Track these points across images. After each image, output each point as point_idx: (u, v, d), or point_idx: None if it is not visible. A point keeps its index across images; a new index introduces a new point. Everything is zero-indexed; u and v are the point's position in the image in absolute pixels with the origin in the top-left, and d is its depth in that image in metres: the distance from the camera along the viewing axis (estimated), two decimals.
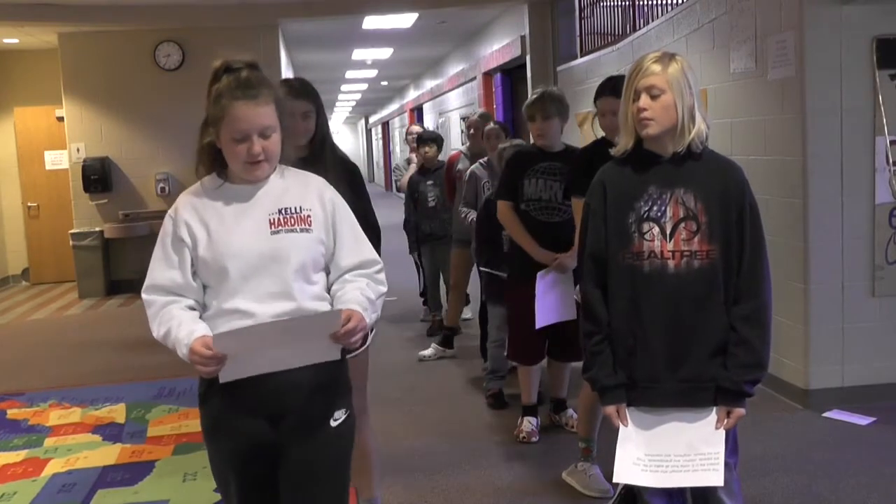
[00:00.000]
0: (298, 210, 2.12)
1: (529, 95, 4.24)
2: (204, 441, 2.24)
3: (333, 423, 2.17)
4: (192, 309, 2.11)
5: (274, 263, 2.07)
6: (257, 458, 2.15)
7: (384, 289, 2.22)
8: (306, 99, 2.95)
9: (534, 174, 4.08)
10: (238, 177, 2.14)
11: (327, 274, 2.19)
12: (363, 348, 3.02)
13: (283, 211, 2.11)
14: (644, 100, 2.25)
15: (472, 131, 6.26)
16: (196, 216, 2.12)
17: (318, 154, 2.93)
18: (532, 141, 4.28)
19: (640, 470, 2.25)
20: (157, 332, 2.10)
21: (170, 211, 2.18)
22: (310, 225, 2.12)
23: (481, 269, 5.01)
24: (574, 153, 4.24)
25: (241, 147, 2.07)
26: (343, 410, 2.19)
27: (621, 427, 2.30)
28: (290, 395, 2.10)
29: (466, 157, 6.29)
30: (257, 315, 2.05)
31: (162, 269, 2.13)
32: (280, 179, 2.17)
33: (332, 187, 2.24)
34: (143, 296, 2.13)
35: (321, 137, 2.97)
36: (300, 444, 2.13)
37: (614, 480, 2.32)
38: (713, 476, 2.21)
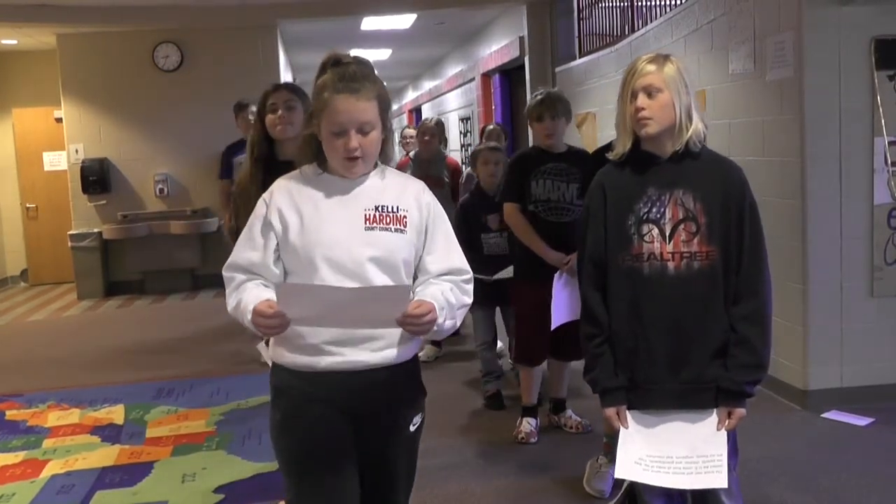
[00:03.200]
0: (395, 210, 2.11)
1: (531, 96, 4.24)
2: (274, 434, 2.19)
3: (412, 429, 2.22)
4: (267, 287, 2.10)
5: (364, 260, 2.06)
6: (332, 453, 2.13)
7: (469, 300, 2.19)
8: (288, 90, 3.02)
9: (540, 175, 4.09)
10: (337, 170, 2.13)
11: (414, 279, 2.18)
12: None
13: (379, 208, 2.10)
14: (642, 99, 2.25)
15: (426, 137, 6.16)
16: (290, 202, 2.11)
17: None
18: (537, 142, 4.27)
19: (641, 469, 2.24)
20: (230, 304, 2.11)
21: (265, 194, 2.16)
22: (405, 226, 2.11)
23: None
24: (578, 154, 4.25)
25: (338, 141, 2.06)
26: (419, 415, 2.24)
27: (622, 428, 2.30)
28: (370, 398, 2.11)
29: (415, 162, 6.21)
30: None
31: (245, 249, 2.13)
32: (380, 178, 2.16)
33: (430, 191, 2.23)
34: (223, 272, 2.15)
35: None
36: (380, 448, 2.17)
37: (616, 476, 2.32)
38: (717, 478, 2.20)
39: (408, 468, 2.26)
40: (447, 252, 2.18)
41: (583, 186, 4.06)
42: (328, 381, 2.08)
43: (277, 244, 2.10)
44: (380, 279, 2.07)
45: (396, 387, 2.14)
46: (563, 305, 3.95)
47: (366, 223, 2.08)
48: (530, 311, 4.08)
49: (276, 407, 2.17)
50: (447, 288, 2.13)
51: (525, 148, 4.65)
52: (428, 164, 6.15)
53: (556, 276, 3.95)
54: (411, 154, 6.39)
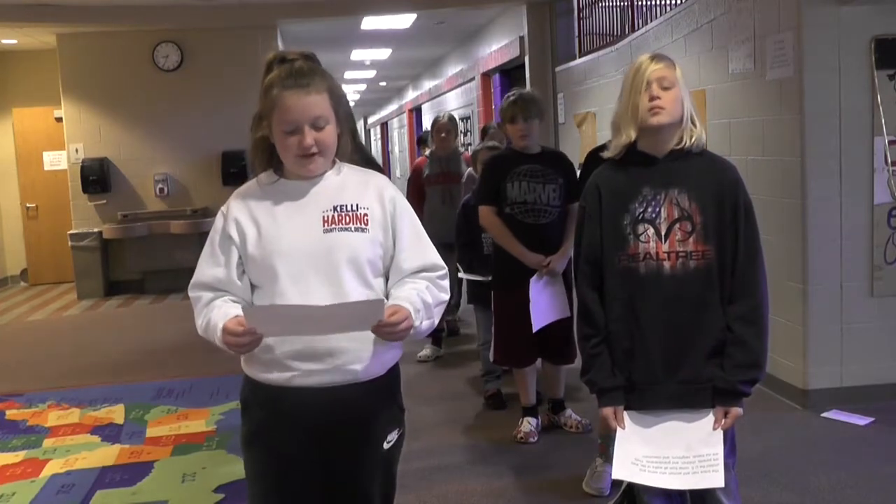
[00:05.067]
0: (355, 208, 2.02)
1: (505, 98, 4.22)
2: (242, 449, 2.14)
3: (386, 446, 2.10)
4: (236, 303, 2.04)
5: (325, 264, 1.98)
6: (298, 471, 2.06)
7: (445, 296, 2.10)
8: None
9: (516, 177, 4.06)
10: (293, 172, 2.05)
11: (387, 279, 2.09)
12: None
13: (338, 208, 2.01)
14: (657, 89, 2.25)
15: (443, 135, 6.14)
16: (247, 213, 2.04)
17: (343, 152, 2.91)
18: (512, 143, 4.26)
19: (638, 469, 2.24)
20: (199, 325, 2.04)
21: (222, 207, 2.09)
22: (366, 224, 2.02)
23: (463, 275, 5.01)
24: (554, 154, 4.25)
25: (292, 139, 1.98)
26: (396, 431, 2.12)
27: (619, 429, 2.29)
28: (338, 415, 2.02)
29: (432, 160, 6.20)
30: None
31: (208, 266, 2.06)
32: (337, 176, 2.08)
33: (393, 185, 2.14)
34: (189, 293, 2.08)
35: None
36: (350, 467, 2.07)
37: (613, 476, 2.30)
38: (714, 477, 2.19)
39: (384, 487, 2.13)
40: (419, 247, 2.09)
41: (567, 190, 4.06)
42: (293, 398, 2.00)
43: (240, 257, 2.04)
44: (345, 281, 1.99)
45: (367, 403, 2.04)
46: (543, 308, 3.94)
47: (324, 225, 2.00)
48: (511, 312, 4.08)
49: (243, 421, 2.12)
50: (423, 287, 2.04)
51: (499, 150, 4.62)
52: (447, 161, 6.15)
53: (534, 278, 3.94)
54: (427, 153, 6.39)
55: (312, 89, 1.97)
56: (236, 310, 1.98)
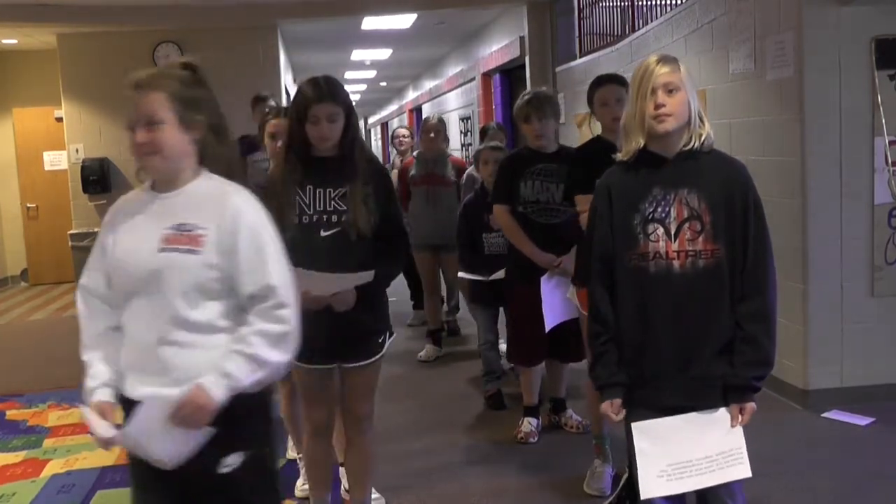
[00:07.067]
0: (191, 228, 1.97)
1: (520, 97, 4.21)
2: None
3: (224, 470, 2.00)
4: (112, 329, 2.06)
5: (153, 284, 1.96)
6: (154, 490, 2.07)
7: (279, 328, 1.98)
8: (331, 101, 2.83)
9: (530, 176, 4.06)
10: (160, 181, 2.06)
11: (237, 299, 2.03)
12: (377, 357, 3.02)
13: (178, 227, 1.98)
14: (662, 96, 2.25)
15: (431, 135, 6.08)
16: (111, 222, 2.10)
17: (348, 155, 2.89)
18: (527, 142, 4.26)
19: (665, 481, 2.25)
20: (81, 346, 2.09)
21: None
22: (199, 246, 1.96)
23: (461, 274, 5.01)
24: (570, 154, 4.24)
25: (132, 137, 2.01)
26: (236, 455, 2.01)
27: (636, 442, 2.29)
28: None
29: (419, 162, 6.16)
30: (131, 336, 2.01)
31: (92, 269, 2.12)
32: (197, 188, 2.05)
33: (249, 202, 2.04)
34: (77, 290, 2.12)
35: (350, 139, 2.89)
36: (185, 494, 2.03)
37: (642, 497, 2.29)
38: (741, 469, 2.23)
39: None
40: (257, 268, 1.99)
41: (567, 185, 4.03)
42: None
43: None
44: (174, 303, 1.96)
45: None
46: (555, 307, 3.94)
47: (160, 244, 1.97)
48: (525, 311, 4.08)
49: None
50: (236, 346, 1.97)
51: (516, 148, 4.62)
52: (434, 163, 6.10)
53: (545, 278, 3.94)
54: (415, 154, 6.35)
55: (148, 89, 2.01)
56: (102, 391, 2.01)
